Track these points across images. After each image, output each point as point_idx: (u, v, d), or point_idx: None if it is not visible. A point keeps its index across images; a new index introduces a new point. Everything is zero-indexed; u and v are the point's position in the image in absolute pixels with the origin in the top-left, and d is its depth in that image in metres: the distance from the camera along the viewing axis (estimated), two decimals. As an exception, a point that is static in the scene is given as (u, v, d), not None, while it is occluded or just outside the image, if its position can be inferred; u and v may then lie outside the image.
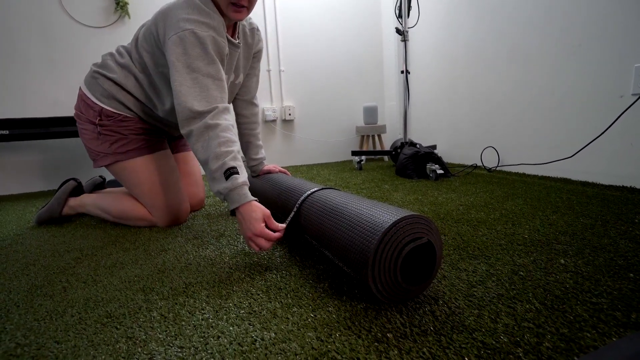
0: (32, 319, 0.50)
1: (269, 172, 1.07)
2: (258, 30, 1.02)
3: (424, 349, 0.39)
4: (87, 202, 1.06)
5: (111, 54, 0.98)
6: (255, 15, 2.28)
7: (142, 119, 1.00)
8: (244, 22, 0.96)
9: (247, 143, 1.09)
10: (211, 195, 1.46)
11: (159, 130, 1.05)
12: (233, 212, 0.70)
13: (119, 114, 0.96)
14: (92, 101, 0.96)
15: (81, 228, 1.03)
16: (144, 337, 0.44)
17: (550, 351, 0.38)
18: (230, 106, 0.84)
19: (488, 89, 1.78)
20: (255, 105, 1.10)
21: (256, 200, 0.69)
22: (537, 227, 0.79)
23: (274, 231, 0.66)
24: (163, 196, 0.97)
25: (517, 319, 0.44)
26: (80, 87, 1.00)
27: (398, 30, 1.88)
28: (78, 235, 0.95)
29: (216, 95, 0.78)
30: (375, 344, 0.41)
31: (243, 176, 0.70)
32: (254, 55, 1.04)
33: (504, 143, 1.71)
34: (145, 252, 0.77)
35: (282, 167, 1.10)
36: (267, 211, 0.67)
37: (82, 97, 0.98)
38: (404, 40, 1.90)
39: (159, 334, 0.45)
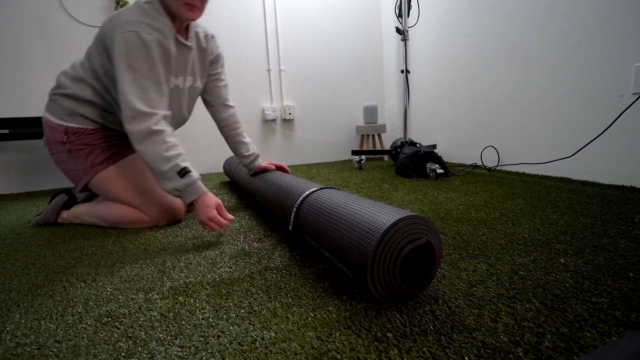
0: (33, 318, 0.50)
1: (266, 169, 1.09)
2: (213, 37, 1.05)
3: (424, 349, 0.39)
4: (81, 212, 1.04)
5: (64, 72, 0.99)
6: (255, 15, 2.28)
7: (109, 127, 0.99)
8: (198, 29, 0.99)
9: (235, 143, 1.11)
10: (211, 194, 1.46)
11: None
12: (188, 205, 0.84)
13: (84, 128, 0.96)
14: (56, 123, 0.96)
15: (81, 227, 1.03)
16: (144, 336, 0.44)
17: (550, 351, 0.38)
18: (170, 113, 0.88)
19: (488, 89, 1.78)
20: (230, 106, 1.13)
21: (209, 192, 0.83)
22: (537, 227, 0.79)
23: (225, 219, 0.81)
24: (153, 194, 0.97)
25: (517, 318, 0.44)
26: (42, 116, 1.00)
27: (398, 30, 1.88)
28: (78, 234, 0.95)
29: (155, 99, 0.83)
30: (375, 343, 0.41)
31: (196, 173, 0.83)
32: (214, 61, 1.06)
33: (504, 142, 1.71)
34: (146, 251, 0.77)
35: (280, 162, 1.12)
36: (219, 201, 0.83)
37: (46, 124, 0.99)
38: (404, 39, 1.90)
39: (159, 333, 0.45)
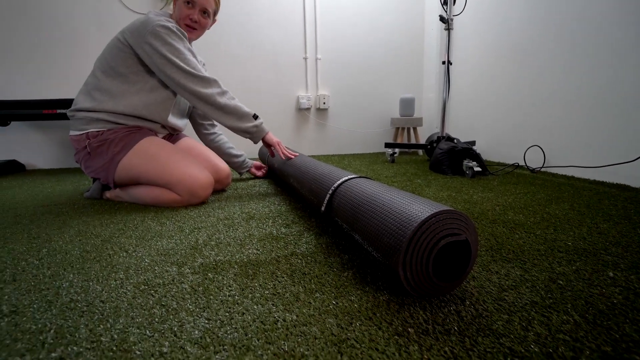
0: (83, 279, 0.56)
1: (260, 167, 1.54)
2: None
3: (446, 348, 0.38)
4: (121, 194, 1.12)
5: (79, 93, 1.08)
6: (294, 2, 2.27)
7: (124, 124, 1.05)
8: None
9: (228, 149, 1.41)
10: (244, 178, 1.51)
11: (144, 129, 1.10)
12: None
13: (102, 130, 1.03)
14: (78, 134, 1.05)
15: (125, 202, 1.11)
16: (175, 306, 0.48)
17: (587, 367, 0.35)
18: None
19: (535, 83, 1.64)
20: (215, 125, 1.42)
21: None
22: (584, 235, 0.73)
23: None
24: (175, 170, 1.01)
25: (552, 329, 0.41)
26: (69, 137, 1.10)
27: (442, 18, 1.78)
28: (123, 208, 1.03)
29: (200, 69, 1.02)
30: (396, 337, 0.40)
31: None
32: None
33: (551, 142, 1.58)
34: (181, 228, 0.82)
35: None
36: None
37: (71, 141, 1.07)
38: (448, 29, 1.80)
39: (189, 304, 0.48)
